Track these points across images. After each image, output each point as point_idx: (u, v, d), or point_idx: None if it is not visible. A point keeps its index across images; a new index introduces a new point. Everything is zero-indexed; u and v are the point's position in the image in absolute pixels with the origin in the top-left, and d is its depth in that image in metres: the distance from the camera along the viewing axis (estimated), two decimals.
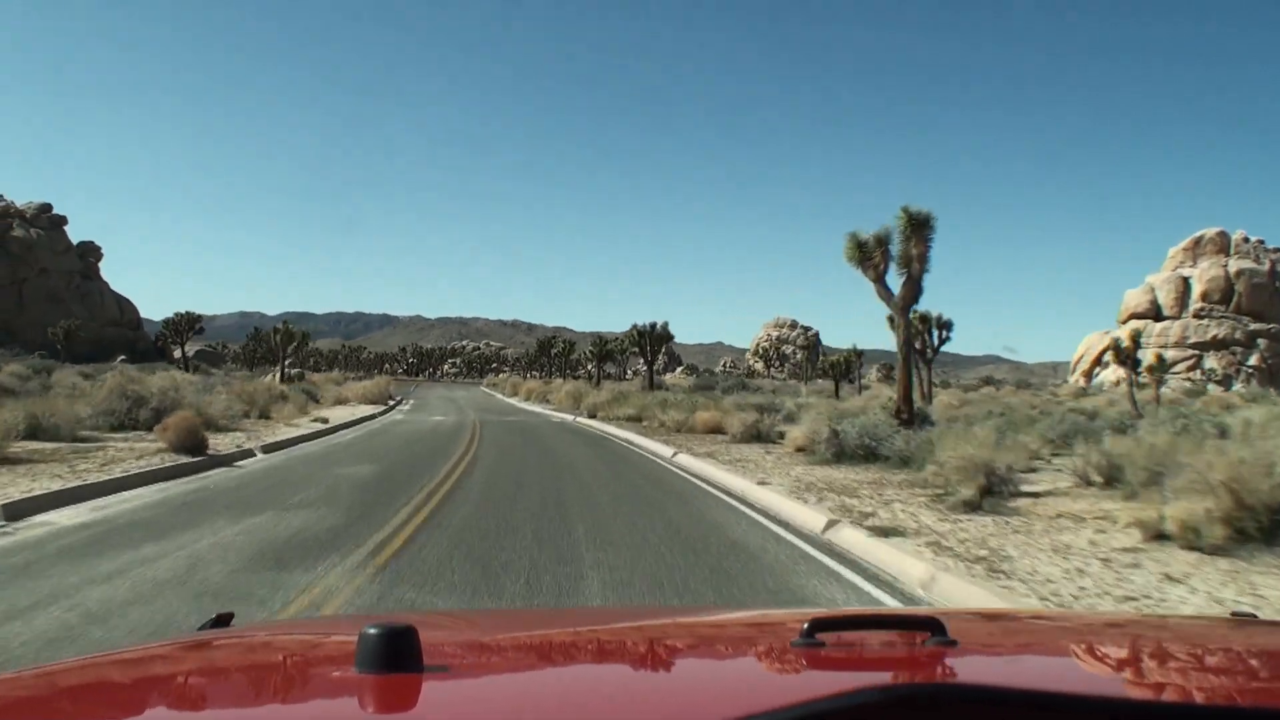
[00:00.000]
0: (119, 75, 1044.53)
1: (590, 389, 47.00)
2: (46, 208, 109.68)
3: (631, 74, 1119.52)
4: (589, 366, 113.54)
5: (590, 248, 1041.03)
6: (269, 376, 60.64)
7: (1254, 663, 1.41)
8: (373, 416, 31.27)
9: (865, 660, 1.33)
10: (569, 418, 34.22)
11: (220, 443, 16.93)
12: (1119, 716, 0.87)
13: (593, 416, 32.44)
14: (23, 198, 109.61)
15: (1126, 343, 42.85)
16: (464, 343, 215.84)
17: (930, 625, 1.32)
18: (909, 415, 16.65)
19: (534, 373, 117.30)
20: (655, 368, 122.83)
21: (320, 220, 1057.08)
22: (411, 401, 48.28)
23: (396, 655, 1.06)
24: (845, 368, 65.37)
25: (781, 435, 21.35)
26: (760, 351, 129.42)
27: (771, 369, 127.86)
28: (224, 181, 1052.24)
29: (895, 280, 17.42)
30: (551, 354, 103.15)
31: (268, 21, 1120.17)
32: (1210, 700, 1.14)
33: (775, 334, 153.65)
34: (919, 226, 16.92)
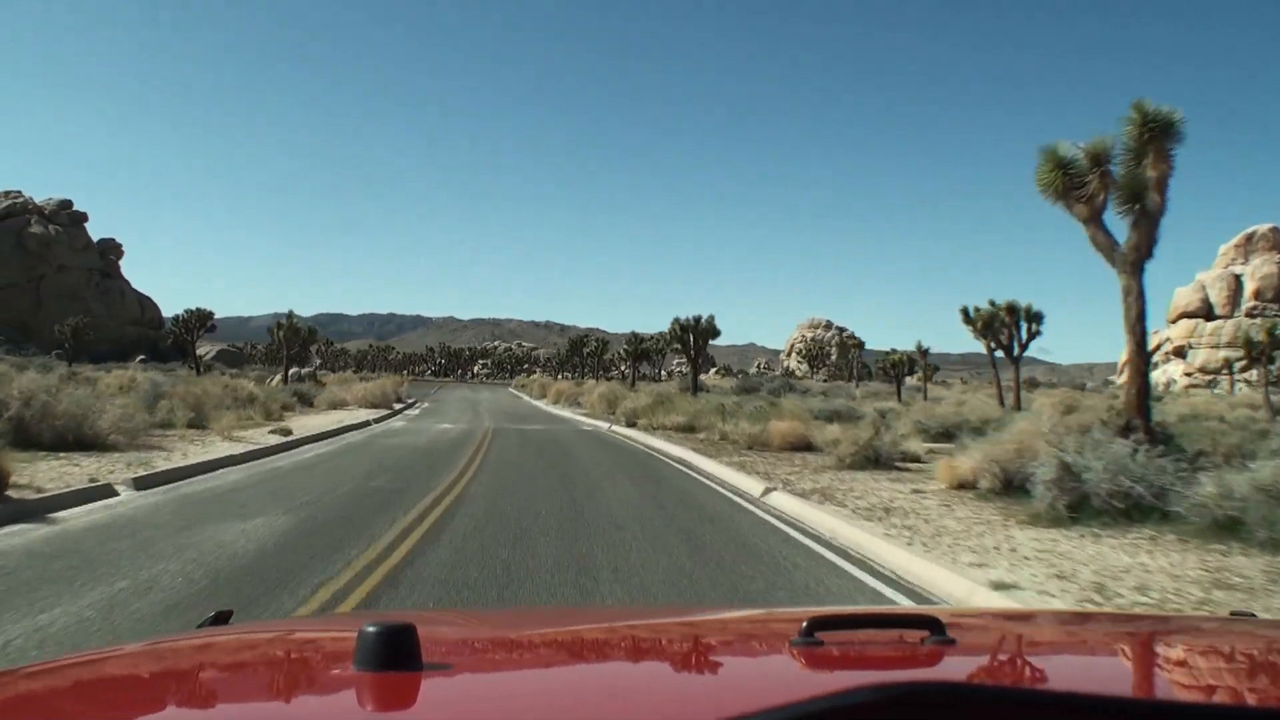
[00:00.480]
0: (155, 78, 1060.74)
1: (626, 391, 40.90)
2: (66, 204, 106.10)
3: (662, 76, 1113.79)
4: (622, 367, 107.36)
5: (623, 249, 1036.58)
6: (274, 378, 55.51)
7: (1252, 661, 1.40)
8: (364, 425, 25.38)
9: (864, 659, 1.32)
10: (602, 426, 28.13)
11: (75, 471, 11.05)
12: (1117, 715, 0.85)
13: (632, 425, 26.29)
14: (60, 199, 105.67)
15: (1262, 338, 35.94)
16: (495, 343, 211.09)
17: (929, 624, 1.31)
18: (1145, 430, 10.24)
19: (565, 373, 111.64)
20: (683, 368, 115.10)
21: (354, 222, 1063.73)
22: (425, 404, 42.51)
23: (395, 654, 1.05)
24: (907, 367, 58.72)
25: (910, 459, 15.01)
26: (802, 351, 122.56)
27: (814, 370, 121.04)
28: (259, 184, 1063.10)
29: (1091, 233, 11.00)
30: (584, 354, 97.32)
31: (296, 23, 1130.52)
32: (1208, 699, 1.13)
33: (810, 334, 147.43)
34: (1160, 135, 10.55)
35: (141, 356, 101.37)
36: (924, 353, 59.21)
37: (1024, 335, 43.88)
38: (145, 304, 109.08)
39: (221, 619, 1.76)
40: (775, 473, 13.90)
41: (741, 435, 18.38)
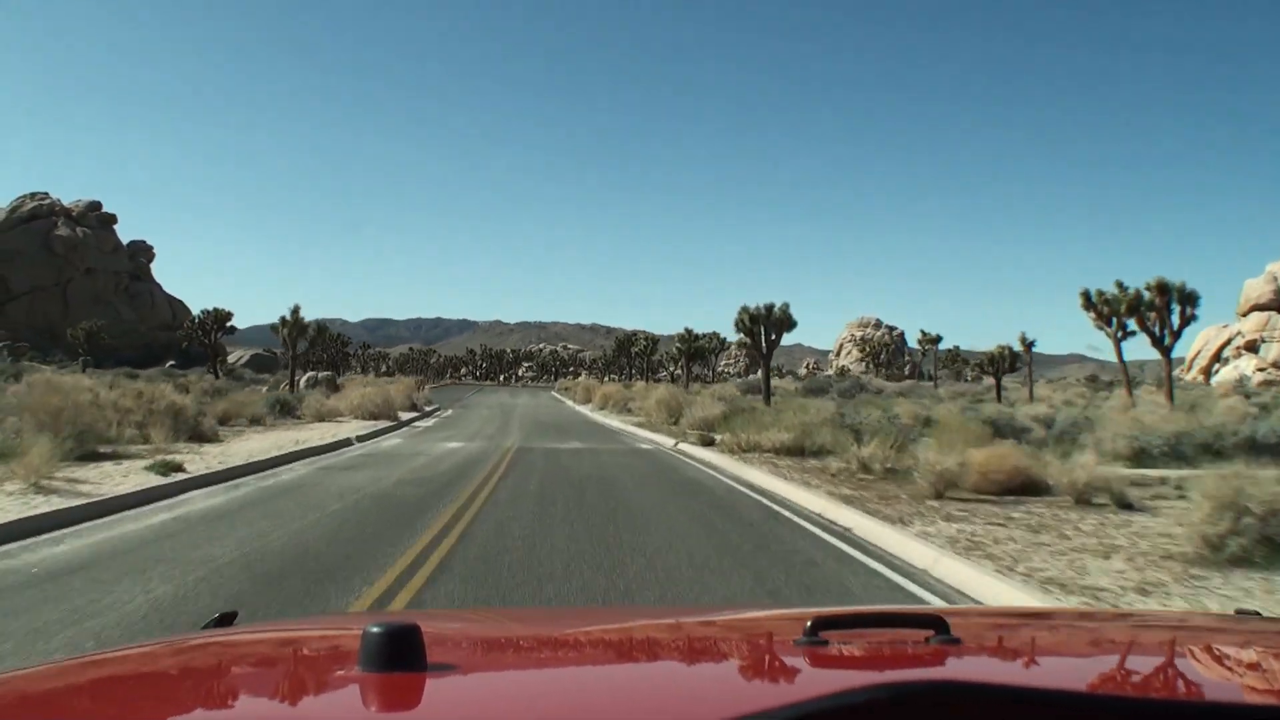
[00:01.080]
0: (197, 81, 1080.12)
1: (688, 394, 33.31)
2: (95, 205, 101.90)
3: (706, 76, 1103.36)
4: (673, 368, 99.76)
5: (669, 251, 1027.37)
6: (298, 381, 49.06)
7: (1257, 660, 1.38)
8: (334, 447, 18.14)
9: (868, 659, 1.32)
10: (665, 442, 20.55)
11: None
12: (1122, 714, 0.85)
13: (708, 443, 18.62)
14: (88, 200, 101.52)
15: None
16: (541, 346, 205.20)
17: (934, 623, 1.29)
18: None
19: (611, 375, 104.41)
20: (733, 370, 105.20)
21: (401, 227, 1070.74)
22: (449, 412, 35.38)
23: (400, 654, 1.04)
24: (1007, 363, 50.24)
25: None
26: (865, 350, 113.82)
27: (877, 369, 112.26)
28: (305, 189, 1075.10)
29: None
30: (631, 354, 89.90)
31: (340, 27, 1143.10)
32: (1214, 698, 1.12)
33: (859, 333, 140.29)
34: None
35: (171, 362, 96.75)
36: (1028, 346, 50.52)
37: (1176, 321, 35.45)
38: (176, 308, 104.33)
39: (226, 620, 1.72)
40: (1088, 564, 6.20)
41: (929, 472, 10.55)
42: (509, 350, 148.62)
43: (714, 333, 71.27)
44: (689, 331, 66.21)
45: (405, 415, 29.01)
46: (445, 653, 1.21)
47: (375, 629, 1.06)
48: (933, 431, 14.42)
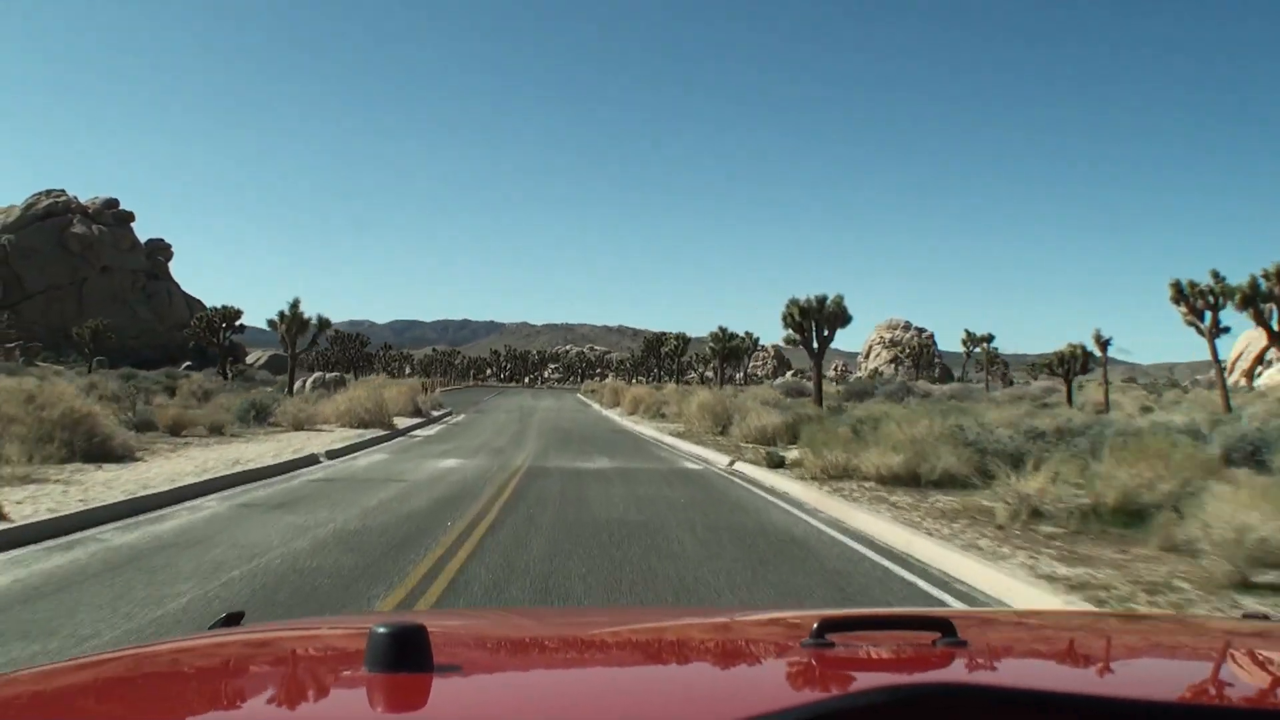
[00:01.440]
0: (230, 85, 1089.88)
1: (732, 398, 28.79)
2: (112, 203, 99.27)
3: (726, 78, 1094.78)
4: (702, 369, 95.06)
5: (695, 253, 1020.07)
6: (305, 382, 45.41)
7: (1265, 663, 1.38)
8: (294, 466, 13.88)
9: (875, 661, 1.30)
10: (717, 461, 16.09)
11: None
12: (1129, 717, 0.85)
13: (776, 465, 14.07)
14: (105, 198, 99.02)
15: None
16: (567, 347, 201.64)
17: (940, 626, 1.28)
18: None
19: (639, 377, 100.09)
20: (762, 372, 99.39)
21: (428, 229, 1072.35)
22: (460, 417, 31.17)
23: (406, 654, 1.03)
24: (1081, 363, 45.08)
25: None
26: (905, 352, 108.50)
27: (917, 372, 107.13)
28: (331, 190, 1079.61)
29: None
30: (660, 354, 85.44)
31: (364, 22, 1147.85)
32: (1222, 701, 1.12)
33: (888, 335, 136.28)
34: None
35: (187, 363, 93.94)
36: (1104, 344, 45.08)
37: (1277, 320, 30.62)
38: (195, 308, 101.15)
39: (233, 620, 1.71)
40: None
41: (1230, 540, 6.01)
42: (534, 351, 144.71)
43: (747, 333, 66.60)
44: (723, 330, 61.64)
45: (405, 422, 24.78)
46: (452, 653, 1.20)
47: (382, 629, 1.05)
48: (1111, 451, 9.90)
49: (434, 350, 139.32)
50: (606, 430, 26.47)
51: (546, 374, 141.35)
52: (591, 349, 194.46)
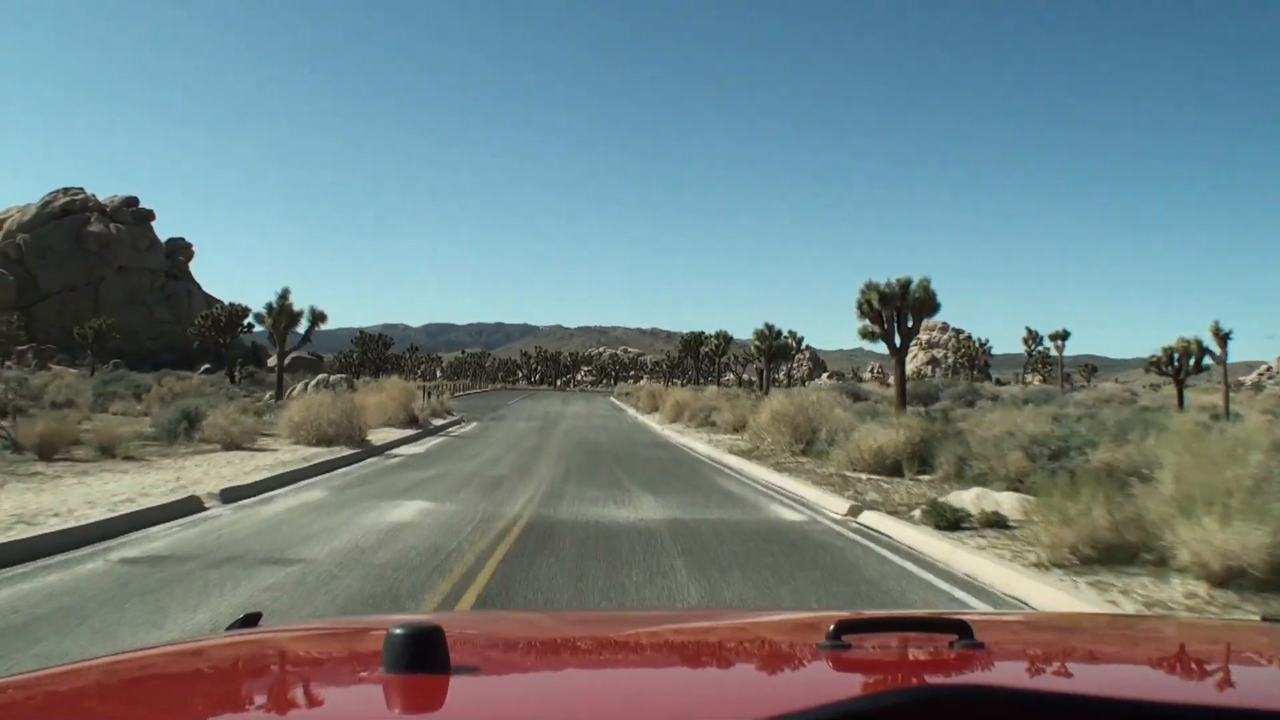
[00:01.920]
0: (273, 86, 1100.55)
1: (805, 406, 22.86)
2: (131, 201, 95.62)
3: (759, 75, 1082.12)
4: (743, 371, 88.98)
5: (726, 254, 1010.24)
6: (302, 385, 40.35)
7: None
8: (143, 523, 8.26)
9: (891, 663, 1.28)
10: (829, 507, 10.25)
11: None
12: (1149, 719, 0.86)
13: (954, 525, 8.11)
14: (124, 196, 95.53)
15: None
16: (600, 349, 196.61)
17: (957, 628, 1.26)
18: None
19: (675, 379, 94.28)
20: (797, 374, 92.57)
21: (463, 232, 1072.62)
22: (470, 426, 25.58)
23: (423, 656, 1.03)
24: (1195, 362, 38.29)
25: None
26: (959, 352, 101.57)
27: (971, 374, 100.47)
28: (365, 192, 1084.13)
29: None
30: (699, 354, 79.49)
31: (391, 21, 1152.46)
32: (1241, 703, 1.10)
33: (925, 337, 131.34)
34: None
35: (206, 365, 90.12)
36: (1224, 339, 38.12)
37: None
38: (216, 308, 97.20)
39: (250, 621, 1.71)
40: None
41: None
42: (566, 353, 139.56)
43: (790, 331, 60.43)
44: (769, 328, 55.51)
45: (388, 436, 19.24)
46: (468, 655, 1.19)
47: (398, 631, 1.04)
48: None
49: (463, 353, 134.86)
50: (647, 445, 20.70)
51: (579, 377, 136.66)
52: (625, 351, 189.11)
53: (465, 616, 3.24)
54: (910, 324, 27.03)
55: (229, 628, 1.67)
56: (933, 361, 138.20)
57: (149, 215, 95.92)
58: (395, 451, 17.14)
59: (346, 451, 15.56)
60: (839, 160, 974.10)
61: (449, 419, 26.95)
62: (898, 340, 27.22)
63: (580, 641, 1.56)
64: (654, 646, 1.50)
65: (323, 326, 34.93)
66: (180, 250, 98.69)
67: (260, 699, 1.16)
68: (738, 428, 24.11)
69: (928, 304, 26.82)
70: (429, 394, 35.98)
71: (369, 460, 15.47)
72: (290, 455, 14.41)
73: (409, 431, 20.79)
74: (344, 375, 46.87)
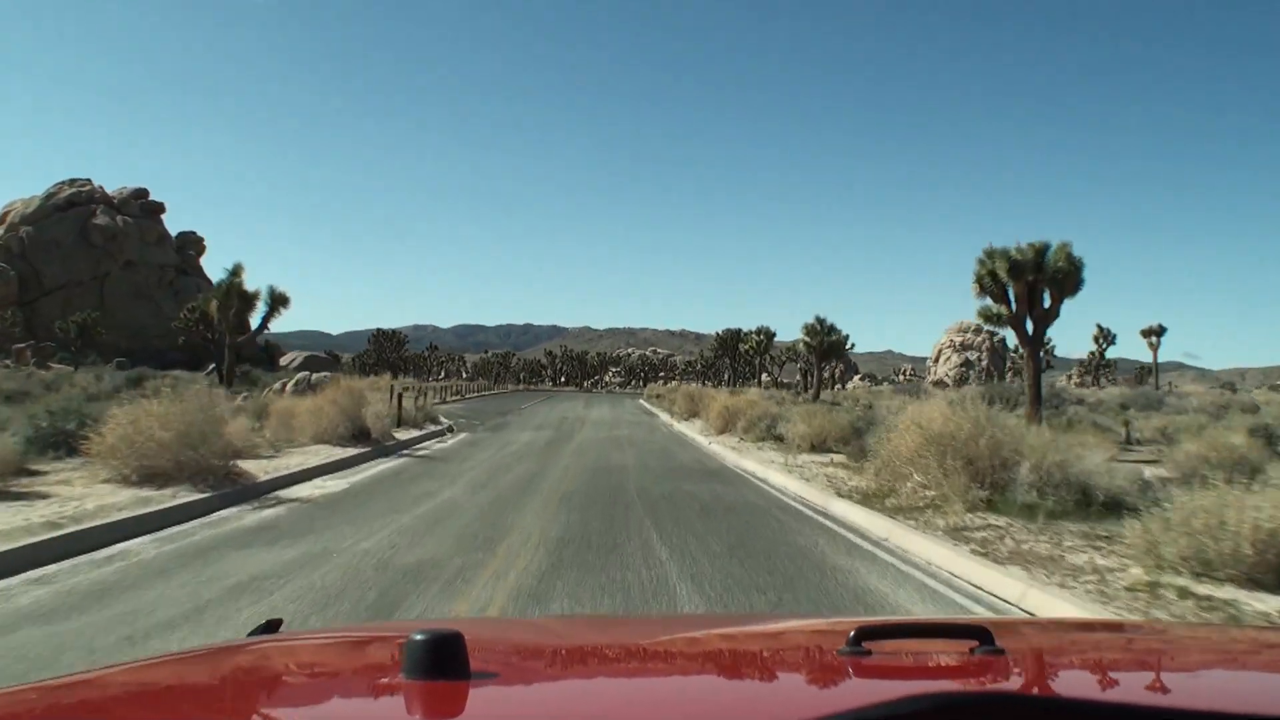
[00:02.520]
0: (299, 85, 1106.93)
1: (986, 418, 15.85)
2: (141, 193, 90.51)
3: (792, 74, 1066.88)
4: (776, 372, 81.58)
5: (756, 255, 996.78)
6: (273, 387, 34.50)
7: None
8: None
9: (912, 669, 1.26)
10: None
11: None
12: None
13: None
14: (134, 188, 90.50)
15: None
16: (629, 350, 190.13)
17: (978, 634, 1.24)
18: None
19: (707, 380, 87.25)
20: (830, 376, 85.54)
21: (494, 234, 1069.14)
22: (455, 440, 18.86)
23: (443, 662, 1.02)
24: None
25: None
26: (1017, 352, 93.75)
27: (991, 377, 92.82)
28: (398, 196, 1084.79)
29: None
30: (736, 353, 72.33)
31: (431, 24, 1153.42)
32: (1268, 710, 1.07)
33: (959, 339, 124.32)
34: None
35: (212, 365, 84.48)
36: None
37: None
38: None
39: (271, 628, 1.70)
40: None
41: None
42: (593, 353, 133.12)
43: (832, 325, 53.16)
44: (820, 322, 48.35)
45: (304, 460, 12.53)
46: (488, 661, 1.18)
47: (418, 637, 1.03)
48: None
49: (487, 353, 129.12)
50: (696, 474, 13.74)
51: (606, 378, 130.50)
52: (654, 352, 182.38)
53: (486, 623, 3.19)
54: (1046, 305, 19.88)
55: (250, 634, 1.65)
56: (967, 363, 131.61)
57: (159, 208, 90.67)
58: (274, 498, 10.17)
59: (189, 498, 8.81)
60: (851, 163, 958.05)
61: (430, 429, 20.19)
62: (1030, 327, 20.10)
63: (601, 649, 1.54)
64: (673, 653, 1.48)
65: (353, 326, 28.92)
66: (192, 244, 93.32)
67: (281, 704, 1.14)
68: (817, 445, 17.23)
69: (1070, 278, 19.63)
70: (424, 395, 29.39)
71: (225, 514, 8.68)
72: (75, 507, 7.71)
73: (348, 452, 14.01)
74: (325, 375, 40.29)
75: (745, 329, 65.94)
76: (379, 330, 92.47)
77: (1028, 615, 4.48)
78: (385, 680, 1.17)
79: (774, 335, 59.18)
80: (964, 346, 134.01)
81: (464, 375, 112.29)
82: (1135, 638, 1.76)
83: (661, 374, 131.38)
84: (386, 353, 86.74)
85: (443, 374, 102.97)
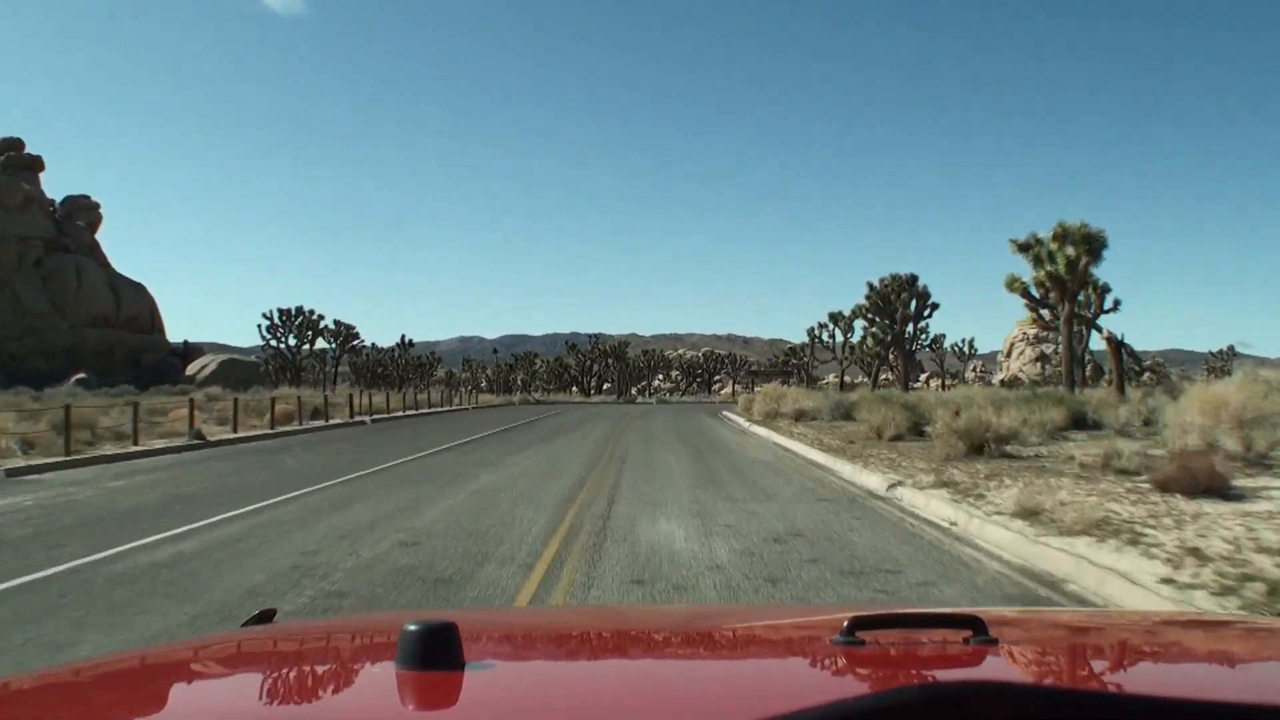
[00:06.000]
0: (335, 91, 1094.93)
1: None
2: (13, 143, 62.90)
3: (841, 73, 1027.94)
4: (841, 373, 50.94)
5: (804, 256, 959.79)
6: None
7: None
8: None
9: (906, 659, 1.23)
10: None
11: None
12: (1166, 716, 0.81)
13: None
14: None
15: None
16: (680, 351, 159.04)
17: (971, 624, 1.22)
18: None
19: (775, 381, 58.24)
20: (893, 375, 56.92)
21: (537, 242, 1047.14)
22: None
23: (438, 652, 0.99)
24: None
25: None
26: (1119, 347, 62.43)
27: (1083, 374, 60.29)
28: (440, 210, 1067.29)
29: None
30: (812, 349, 41.88)
31: (480, 27, 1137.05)
32: (1262, 700, 1.03)
33: (1033, 332, 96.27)
34: None
35: (79, 375, 55.19)
36: None
37: None
38: (127, 296, 63.21)
39: (265, 618, 1.65)
40: None
41: None
42: (639, 353, 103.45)
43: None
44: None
45: None
46: (483, 651, 1.16)
47: (413, 627, 1.01)
48: None
49: (514, 358, 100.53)
50: None
51: (656, 382, 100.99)
52: (710, 351, 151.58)
53: (480, 614, 2.96)
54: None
55: (244, 624, 1.62)
56: (1042, 358, 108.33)
57: (35, 163, 62.74)
58: None
59: None
60: (860, 164, 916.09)
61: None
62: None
63: (595, 638, 1.51)
64: (668, 643, 1.46)
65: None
66: (79, 212, 64.61)
67: (276, 695, 1.11)
68: None
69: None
70: None
71: None
72: None
73: None
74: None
75: (774, 343, 35.45)
76: (404, 338, 62.69)
77: (1022, 608, 4.28)
78: (379, 670, 1.15)
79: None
80: (1038, 339, 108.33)
81: (474, 386, 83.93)
82: (1127, 629, 1.69)
83: (718, 379, 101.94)
84: (400, 363, 58.18)
85: (446, 383, 74.62)
